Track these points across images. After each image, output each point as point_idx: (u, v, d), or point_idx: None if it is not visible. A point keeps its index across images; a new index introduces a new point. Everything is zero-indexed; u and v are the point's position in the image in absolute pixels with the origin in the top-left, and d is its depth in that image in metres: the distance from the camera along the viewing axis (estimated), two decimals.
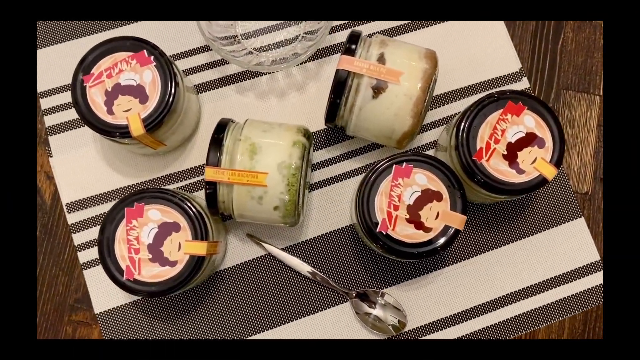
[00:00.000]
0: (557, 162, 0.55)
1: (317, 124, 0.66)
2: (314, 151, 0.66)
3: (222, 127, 0.56)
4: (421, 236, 0.54)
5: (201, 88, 0.67)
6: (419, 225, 0.54)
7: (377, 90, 0.55)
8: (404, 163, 0.55)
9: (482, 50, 0.68)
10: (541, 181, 0.55)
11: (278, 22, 0.67)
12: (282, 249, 0.64)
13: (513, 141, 0.55)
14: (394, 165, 0.55)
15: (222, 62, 0.67)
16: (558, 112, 0.65)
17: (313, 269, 0.63)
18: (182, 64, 0.67)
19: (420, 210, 0.54)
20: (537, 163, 0.55)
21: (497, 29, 0.68)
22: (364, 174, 0.58)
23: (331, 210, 0.65)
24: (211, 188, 0.55)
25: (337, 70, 0.55)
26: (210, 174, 0.54)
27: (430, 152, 0.66)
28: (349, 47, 0.56)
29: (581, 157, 0.67)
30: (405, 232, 0.54)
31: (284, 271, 0.64)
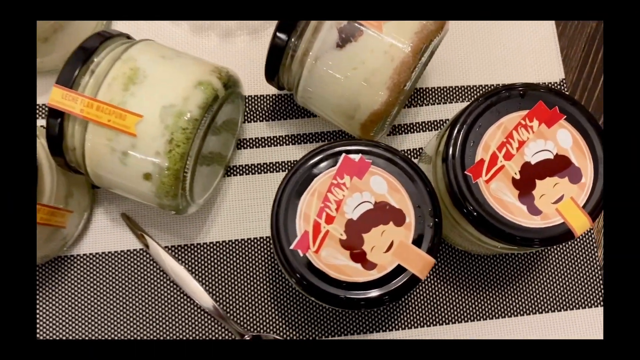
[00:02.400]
0: (595, 211, 0.35)
1: (264, 85, 0.47)
2: (248, 122, 0.46)
3: (100, 37, 0.37)
4: (358, 273, 0.34)
5: None
6: (359, 256, 0.34)
7: (346, 36, 0.36)
8: (360, 154, 0.35)
9: (514, 45, 0.48)
10: (564, 234, 0.35)
11: None
12: (167, 248, 0.44)
13: (533, 162, 0.35)
14: (344, 154, 0.35)
15: None
16: None
17: (214, 303, 0.43)
18: None
19: (365, 233, 0.34)
20: (562, 204, 0.35)
21: (541, 22, 0.49)
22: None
23: (254, 209, 0.45)
24: (55, 122, 0.35)
25: None
26: (57, 97, 0.34)
27: None
28: None
29: None
30: (334, 262, 0.34)
31: (162, 279, 0.44)
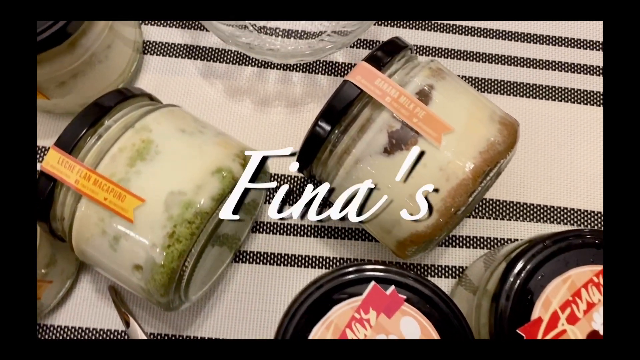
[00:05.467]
0: None
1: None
2: (269, 203, 0.41)
3: (119, 95, 0.32)
4: None
5: (152, 48, 0.44)
6: None
7: (397, 142, 0.30)
8: (393, 286, 0.29)
9: (581, 168, 0.43)
10: None
11: None
12: (152, 335, 0.38)
13: (602, 332, 0.29)
14: (373, 281, 0.29)
15: (199, 25, 0.45)
16: None
17: None
18: None
19: None
20: None
21: None
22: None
23: (260, 306, 0.39)
24: (46, 187, 0.30)
25: (344, 82, 0.31)
26: (52, 160, 0.30)
27: (446, 285, 0.40)
28: (377, 54, 0.32)
29: None
30: None
31: None
